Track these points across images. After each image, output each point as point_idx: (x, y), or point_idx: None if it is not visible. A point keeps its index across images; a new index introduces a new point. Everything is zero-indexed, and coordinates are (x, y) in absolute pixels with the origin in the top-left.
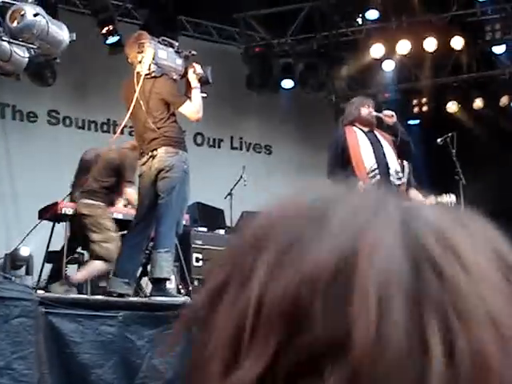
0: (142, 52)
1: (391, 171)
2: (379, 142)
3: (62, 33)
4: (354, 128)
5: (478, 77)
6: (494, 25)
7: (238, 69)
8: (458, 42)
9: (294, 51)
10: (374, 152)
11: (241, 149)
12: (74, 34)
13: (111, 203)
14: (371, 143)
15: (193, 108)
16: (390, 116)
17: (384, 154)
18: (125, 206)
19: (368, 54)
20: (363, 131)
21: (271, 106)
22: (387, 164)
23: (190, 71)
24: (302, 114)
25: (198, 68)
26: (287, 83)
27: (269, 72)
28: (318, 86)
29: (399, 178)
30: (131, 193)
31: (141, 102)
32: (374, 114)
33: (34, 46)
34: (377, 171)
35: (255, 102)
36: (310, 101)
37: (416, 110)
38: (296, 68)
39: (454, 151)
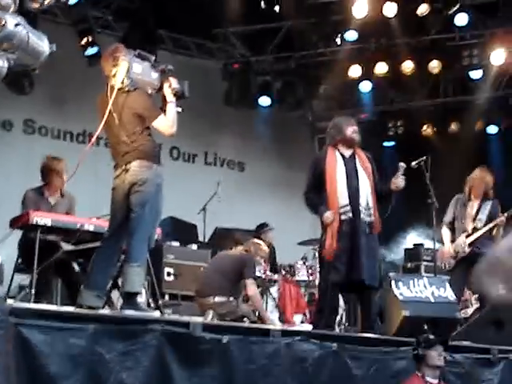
0: (117, 66)
1: (361, 207)
2: (356, 172)
3: (42, 44)
4: (336, 152)
5: (453, 101)
6: (472, 50)
7: (215, 84)
8: (435, 66)
9: (272, 69)
10: (348, 187)
11: (215, 164)
12: (54, 45)
13: None
14: (347, 176)
15: (167, 122)
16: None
17: (357, 188)
18: None
19: (346, 74)
20: (344, 157)
21: (247, 123)
22: (359, 200)
23: (166, 85)
24: (278, 131)
25: (174, 82)
26: (264, 100)
27: (246, 89)
28: (295, 105)
29: (369, 215)
30: None
31: (114, 115)
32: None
33: (14, 56)
34: (348, 208)
35: (232, 119)
36: (286, 119)
37: (391, 132)
38: (274, 86)
39: (427, 174)
